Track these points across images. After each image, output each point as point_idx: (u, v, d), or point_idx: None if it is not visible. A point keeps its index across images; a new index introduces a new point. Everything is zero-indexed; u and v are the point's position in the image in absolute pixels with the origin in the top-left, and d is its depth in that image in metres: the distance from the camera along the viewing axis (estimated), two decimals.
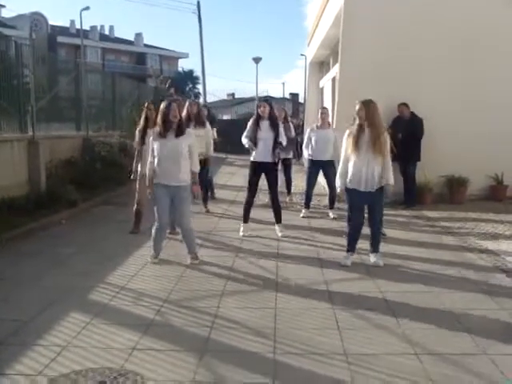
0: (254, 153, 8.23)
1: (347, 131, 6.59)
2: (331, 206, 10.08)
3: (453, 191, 11.35)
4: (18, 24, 45.31)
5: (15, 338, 4.47)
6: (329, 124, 10.08)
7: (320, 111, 9.98)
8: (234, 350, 4.22)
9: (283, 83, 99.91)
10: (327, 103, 18.36)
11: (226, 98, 60.17)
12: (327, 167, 9.74)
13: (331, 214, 9.94)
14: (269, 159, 8.14)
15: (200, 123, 9.57)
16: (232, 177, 16.49)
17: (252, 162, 8.32)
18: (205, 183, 10.26)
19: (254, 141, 8.12)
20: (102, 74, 23.16)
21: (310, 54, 21.99)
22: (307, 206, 10.15)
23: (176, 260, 6.81)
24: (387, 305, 5.22)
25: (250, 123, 8.34)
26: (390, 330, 4.60)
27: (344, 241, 7.59)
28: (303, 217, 9.90)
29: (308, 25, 22.37)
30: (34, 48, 12.46)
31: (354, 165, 6.41)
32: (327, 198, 10.29)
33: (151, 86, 24.55)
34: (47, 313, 5.04)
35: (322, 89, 20.88)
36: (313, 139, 9.79)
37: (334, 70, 14.73)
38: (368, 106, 6.35)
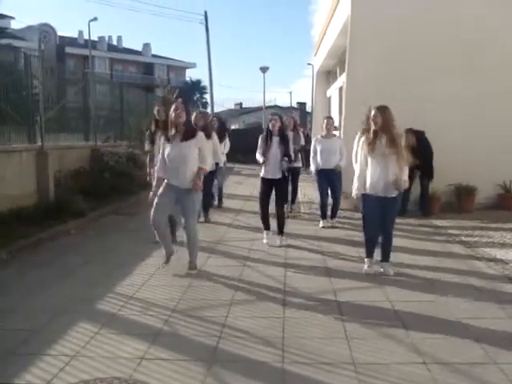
0: (263, 169, 8.25)
1: (361, 137, 6.60)
2: (333, 215, 10.10)
3: (461, 200, 11.33)
4: (26, 35, 45.58)
5: (24, 347, 4.48)
6: (334, 133, 10.03)
7: (325, 121, 9.98)
8: (243, 360, 4.21)
9: (290, 92, 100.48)
10: (334, 113, 18.39)
11: (233, 107, 60.27)
12: (333, 176, 9.75)
13: (330, 222, 9.98)
14: (277, 176, 8.15)
15: (206, 135, 9.56)
16: (239, 186, 16.53)
17: (262, 178, 8.33)
18: (210, 192, 10.26)
19: (266, 156, 8.14)
20: (110, 84, 23.24)
21: (317, 64, 22.04)
22: (324, 216, 10.07)
23: (184, 270, 6.81)
24: (395, 314, 5.20)
25: (260, 140, 8.39)
26: (399, 339, 4.58)
27: (353, 250, 7.65)
28: (323, 227, 9.85)
29: (315, 34, 22.43)
30: (43, 59, 12.55)
31: (371, 171, 6.43)
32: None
33: (159, 96, 24.65)
34: (56, 322, 5.05)
35: (329, 98, 20.91)
36: (318, 149, 9.79)
37: (341, 80, 14.76)
38: (384, 111, 6.35)
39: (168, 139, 6.51)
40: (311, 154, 10.04)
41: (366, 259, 6.80)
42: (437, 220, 10.22)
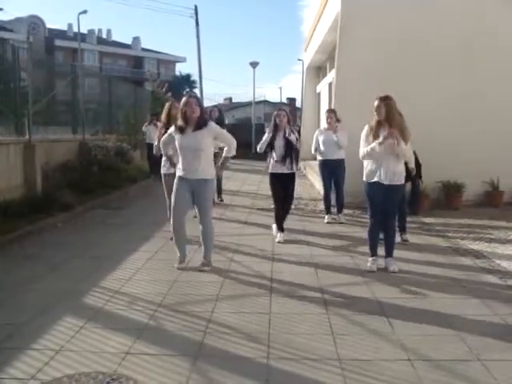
0: (270, 165, 8.28)
1: (366, 126, 6.57)
2: (339, 210, 9.94)
3: (449, 197, 11.38)
4: (15, 27, 45.36)
5: (9, 341, 4.46)
6: (336, 126, 9.75)
7: (326, 115, 9.92)
8: (228, 355, 4.20)
9: (280, 88, 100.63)
10: (324, 108, 18.38)
11: (223, 102, 60.20)
12: (337, 168, 9.71)
13: (341, 218, 9.83)
14: (286, 170, 8.17)
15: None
16: (227, 181, 16.43)
17: (270, 173, 8.34)
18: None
19: (270, 151, 8.22)
20: (100, 77, 23.17)
21: (307, 59, 22.07)
22: (328, 210, 10.02)
23: (171, 264, 6.79)
24: (381, 310, 5.22)
25: (266, 134, 8.42)
26: (384, 335, 4.60)
27: (342, 245, 7.69)
28: (328, 222, 9.79)
29: (305, 29, 22.50)
30: (31, 51, 12.45)
31: (374, 159, 6.43)
32: (323, 202, 10.29)
33: (148, 90, 24.59)
34: (41, 317, 5.02)
35: (318, 94, 20.94)
36: (320, 141, 9.75)
37: (331, 75, 14.79)
38: (386, 101, 6.34)
39: (180, 130, 6.44)
40: (313, 146, 10.04)
41: (369, 257, 6.76)
42: (425, 217, 10.24)
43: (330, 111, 10.09)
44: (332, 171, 9.78)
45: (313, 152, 10.10)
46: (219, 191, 12.18)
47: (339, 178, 9.83)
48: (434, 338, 4.54)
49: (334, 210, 10.04)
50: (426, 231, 9.10)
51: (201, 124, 6.43)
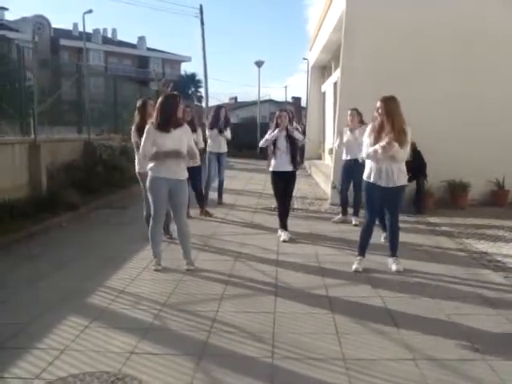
0: (272, 163, 8.31)
1: (369, 125, 6.57)
2: (355, 212, 9.68)
3: (454, 196, 11.35)
4: (20, 27, 45.44)
5: (14, 341, 4.47)
6: (360, 124, 9.48)
7: (349, 112, 9.66)
8: (232, 355, 4.21)
9: (285, 87, 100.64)
10: (329, 107, 18.39)
11: (228, 101, 60.19)
12: (358, 167, 9.48)
13: (354, 221, 9.60)
14: (288, 168, 8.26)
15: (192, 130, 9.55)
16: (232, 181, 16.39)
17: (272, 172, 8.39)
18: (196, 185, 10.09)
19: (272, 150, 8.27)
20: (105, 77, 23.16)
21: (312, 59, 22.06)
22: (345, 210, 9.86)
23: (175, 264, 6.80)
24: (386, 310, 5.21)
25: (269, 132, 8.43)
26: (389, 335, 4.59)
27: (347, 246, 7.68)
28: (334, 222, 9.76)
29: (310, 28, 22.55)
30: (37, 51, 12.47)
31: (375, 160, 6.37)
32: (328, 202, 10.27)
33: (154, 90, 24.59)
34: (46, 316, 5.04)
35: (324, 93, 20.92)
36: (344, 139, 9.63)
37: (336, 75, 14.77)
38: (387, 102, 6.29)
39: (165, 129, 6.29)
40: (336, 144, 10.04)
41: (357, 257, 6.72)
42: (430, 217, 10.21)
43: (353, 109, 9.70)
44: (352, 171, 9.47)
45: (336, 147, 10.06)
46: (220, 194, 12.18)
47: (357, 180, 9.51)
48: (438, 337, 4.53)
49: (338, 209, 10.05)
50: (431, 230, 9.07)
51: (179, 123, 6.43)
